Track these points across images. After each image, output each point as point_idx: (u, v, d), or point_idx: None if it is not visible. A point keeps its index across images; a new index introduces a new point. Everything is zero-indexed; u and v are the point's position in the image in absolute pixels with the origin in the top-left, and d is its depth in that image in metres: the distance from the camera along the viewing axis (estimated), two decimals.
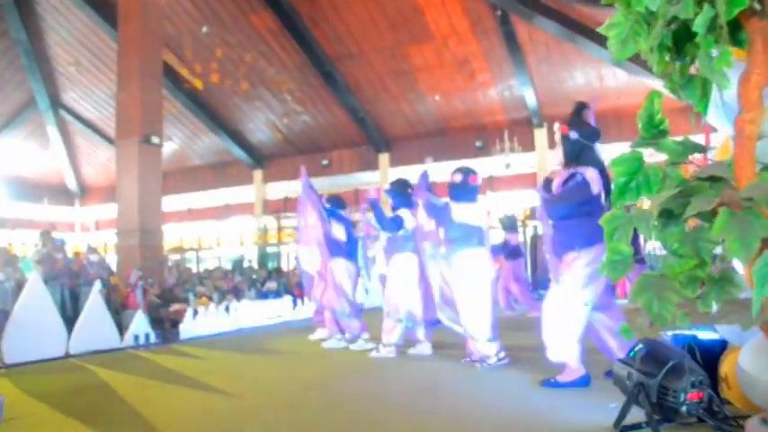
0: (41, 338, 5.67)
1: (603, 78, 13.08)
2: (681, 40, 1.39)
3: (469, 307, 4.49)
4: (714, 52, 1.28)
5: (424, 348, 5.19)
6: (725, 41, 1.17)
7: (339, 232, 6.06)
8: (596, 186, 3.58)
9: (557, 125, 3.78)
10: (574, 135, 3.69)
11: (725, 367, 2.41)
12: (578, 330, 3.55)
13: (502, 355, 4.40)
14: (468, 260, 4.53)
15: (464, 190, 4.68)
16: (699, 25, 1.16)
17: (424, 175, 5.09)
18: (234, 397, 3.72)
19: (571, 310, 3.55)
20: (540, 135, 14.61)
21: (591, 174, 3.60)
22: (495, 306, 4.66)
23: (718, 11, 1.12)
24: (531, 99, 13.96)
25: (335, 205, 6.31)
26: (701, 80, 1.45)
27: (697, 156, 1.49)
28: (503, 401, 3.34)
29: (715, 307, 1.40)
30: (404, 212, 5.29)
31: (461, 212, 4.61)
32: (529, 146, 14.47)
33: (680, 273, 1.30)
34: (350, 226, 6.24)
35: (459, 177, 4.68)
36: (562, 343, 3.57)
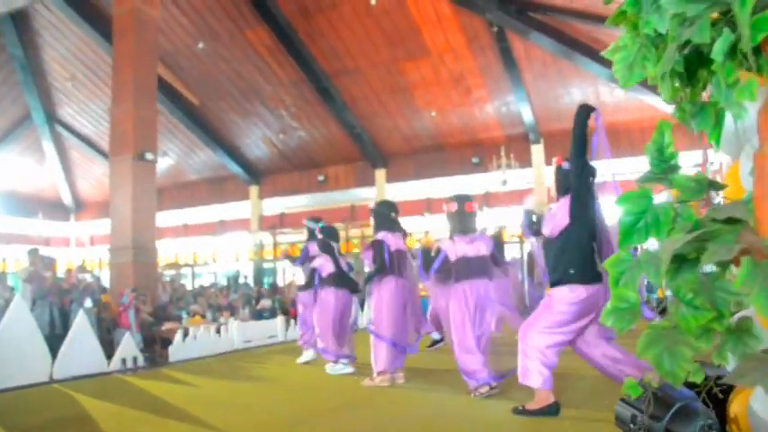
0: (24, 363, 5.49)
1: (600, 95, 13.04)
2: (692, 65, 1.27)
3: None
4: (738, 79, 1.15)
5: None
6: (748, 70, 1.04)
7: (326, 265, 5.93)
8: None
9: (554, 160, 3.77)
10: (566, 165, 3.62)
11: (734, 407, 2.25)
12: (542, 354, 3.47)
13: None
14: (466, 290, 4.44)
15: (461, 219, 4.59)
16: (717, 52, 1.04)
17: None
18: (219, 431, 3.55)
19: (538, 334, 3.50)
20: (537, 151, 14.55)
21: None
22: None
23: (740, 35, 0.99)
24: (527, 115, 13.91)
25: (328, 235, 6.14)
26: (713, 108, 1.33)
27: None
28: None
29: (731, 359, 1.27)
30: (383, 236, 5.17)
31: (459, 248, 4.49)
32: (525, 162, 14.40)
33: (695, 326, 1.16)
34: (337, 259, 6.05)
35: (454, 207, 4.58)
36: (526, 366, 3.54)
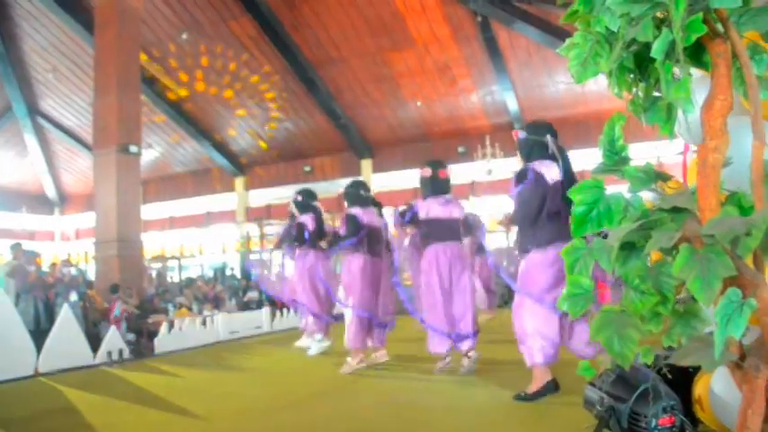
0: (9, 358, 5.49)
1: (584, 83, 13.11)
2: (644, 61, 1.32)
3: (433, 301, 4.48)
4: (676, 71, 1.22)
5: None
6: (684, 67, 1.10)
7: (308, 222, 6.07)
8: (552, 174, 3.52)
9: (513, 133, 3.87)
10: (522, 134, 3.73)
11: (699, 388, 2.34)
12: (535, 329, 3.47)
13: (472, 353, 4.37)
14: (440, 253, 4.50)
15: (434, 183, 4.68)
16: (657, 51, 1.09)
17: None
18: (202, 419, 3.60)
19: (526, 309, 3.53)
20: None
21: (542, 166, 3.56)
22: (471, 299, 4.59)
23: (675, 37, 1.05)
24: (512, 104, 13.97)
25: (307, 196, 6.33)
26: (665, 102, 1.39)
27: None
28: (487, 422, 3.27)
29: (683, 341, 1.34)
30: (355, 211, 5.19)
31: (431, 208, 4.56)
32: (511, 151, 14.35)
33: (642, 310, 1.23)
34: (320, 216, 6.20)
35: (428, 172, 4.66)
36: (521, 343, 3.56)
